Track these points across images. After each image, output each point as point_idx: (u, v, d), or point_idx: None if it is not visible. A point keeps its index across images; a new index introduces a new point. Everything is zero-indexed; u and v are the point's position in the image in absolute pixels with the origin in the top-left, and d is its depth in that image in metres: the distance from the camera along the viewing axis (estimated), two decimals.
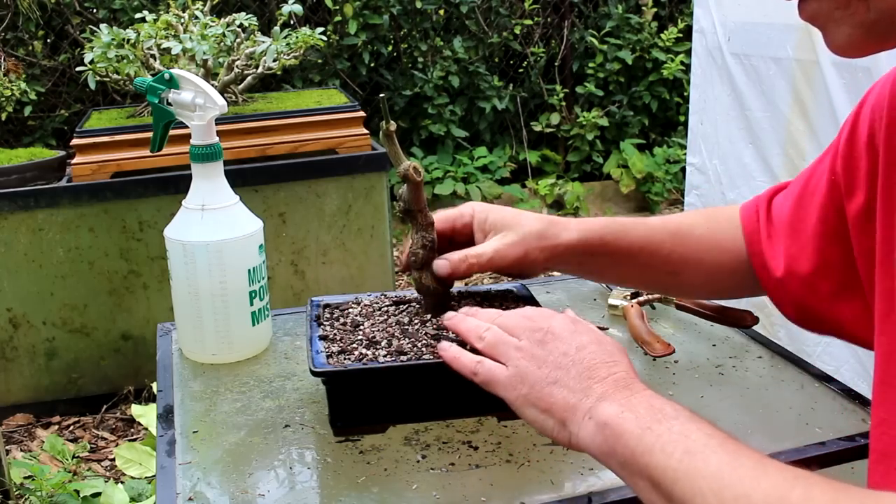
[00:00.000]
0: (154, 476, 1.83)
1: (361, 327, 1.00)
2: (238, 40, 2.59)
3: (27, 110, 3.57)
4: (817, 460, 0.90)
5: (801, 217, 0.92)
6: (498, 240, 0.96)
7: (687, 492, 0.61)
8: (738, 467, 0.61)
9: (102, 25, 2.48)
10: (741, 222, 1.00)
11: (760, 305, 2.39)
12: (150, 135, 1.19)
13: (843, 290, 0.88)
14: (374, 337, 0.97)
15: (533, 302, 1.06)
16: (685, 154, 2.78)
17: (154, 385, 1.19)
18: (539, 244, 0.95)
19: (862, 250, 0.83)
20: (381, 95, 0.92)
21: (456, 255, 0.96)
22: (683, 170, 2.97)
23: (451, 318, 0.89)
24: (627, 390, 0.71)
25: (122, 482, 2.14)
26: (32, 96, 3.07)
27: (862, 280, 0.84)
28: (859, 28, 0.63)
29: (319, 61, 4.02)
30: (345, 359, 0.92)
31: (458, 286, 1.09)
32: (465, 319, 0.87)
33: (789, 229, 0.94)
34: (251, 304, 1.14)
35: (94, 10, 3.79)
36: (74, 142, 2.50)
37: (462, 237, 1.00)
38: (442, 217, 1.00)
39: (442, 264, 0.96)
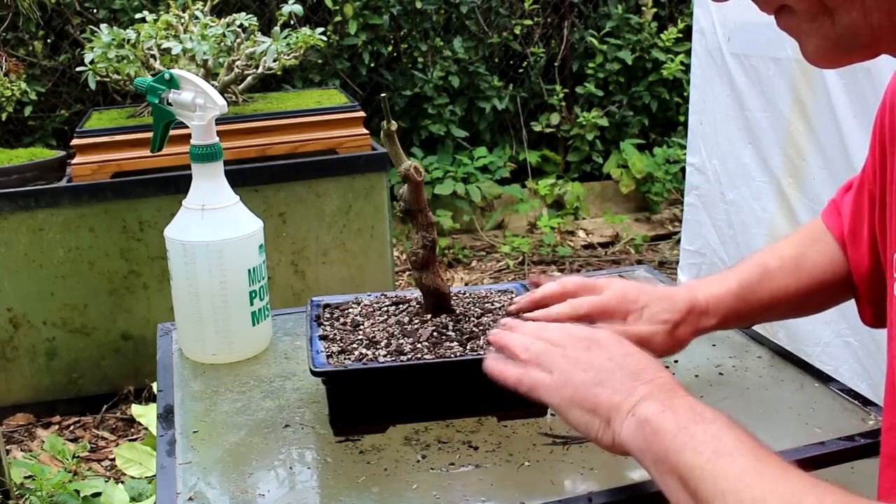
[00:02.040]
0: (154, 476, 1.83)
1: (361, 327, 1.00)
2: (238, 40, 2.59)
3: (27, 110, 3.57)
4: (817, 460, 0.90)
5: (858, 223, 0.95)
6: (649, 329, 0.96)
7: (710, 491, 0.63)
8: (761, 472, 0.62)
9: (103, 25, 2.48)
10: (832, 232, 1.01)
11: None
12: (150, 135, 1.19)
13: None
14: (374, 337, 0.97)
15: None
16: (685, 154, 2.78)
17: (154, 385, 1.19)
18: (677, 337, 0.98)
19: (882, 249, 0.85)
20: (382, 95, 0.92)
21: (618, 328, 0.95)
22: (683, 170, 2.97)
23: (496, 335, 0.87)
24: (671, 392, 0.73)
25: (122, 482, 2.14)
26: (33, 96, 3.07)
27: None
28: (826, 41, 0.64)
29: (319, 61, 4.02)
30: (345, 359, 0.92)
31: (458, 286, 1.09)
32: (510, 335, 0.86)
33: (850, 234, 0.97)
34: (251, 304, 1.14)
35: (95, 11, 3.78)
36: (74, 142, 2.50)
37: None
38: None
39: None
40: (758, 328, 1.18)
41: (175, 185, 2.38)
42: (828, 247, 1.01)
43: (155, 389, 1.14)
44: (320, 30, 2.65)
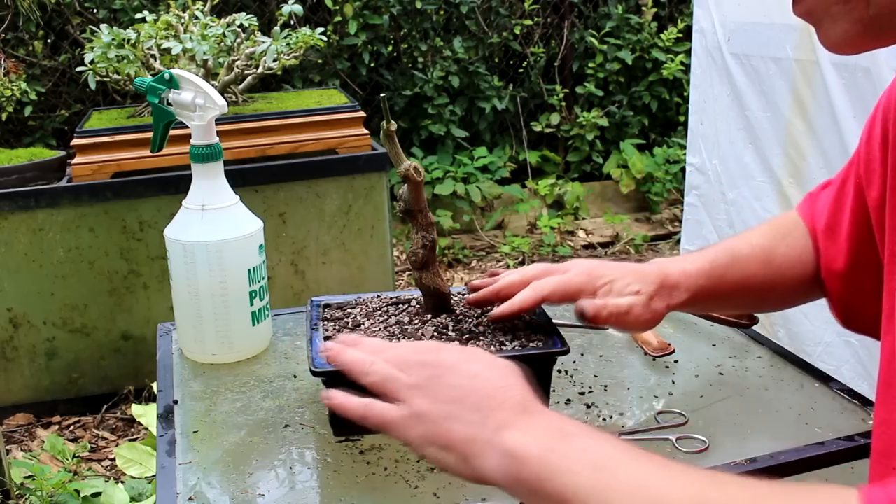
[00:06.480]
0: (154, 476, 1.83)
1: (362, 327, 1.00)
2: (238, 40, 2.59)
3: (27, 110, 3.57)
4: (817, 460, 0.90)
5: (837, 219, 0.94)
6: (627, 301, 0.93)
7: None
8: (648, 475, 0.60)
9: (103, 25, 2.48)
10: (805, 223, 1.00)
11: None
12: (150, 135, 1.19)
13: (881, 288, 0.88)
14: (374, 337, 0.97)
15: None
16: (685, 154, 2.78)
17: (154, 385, 1.19)
18: (653, 309, 0.94)
19: (880, 247, 0.84)
20: (382, 95, 0.92)
21: (598, 301, 0.93)
22: (683, 170, 2.97)
23: (331, 350, 0.80)
24: (526, 414, 0.69)
25: (122, 482, 2.14)
26: (33, 96, 3.07)
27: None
28: (857, 24, 0.62)
29: (319, 61, 4.02)
30: None
31: (458, 286, 1.09)
32: (346, 351, 0.79)
33: (827, 230, 0.95)
34: (251, 304, 1.14)
35: (95, 11, 3.78)
36: (75, 142, 2.50)
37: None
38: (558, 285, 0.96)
39: (587, 305, 0.92)
40: (758, 328, 1.18)
41: (175, 185, 2.38)
42: (798, 241, 1.00)
43: (155, 389, 1.14)
44: (320, 30, 2.64)
